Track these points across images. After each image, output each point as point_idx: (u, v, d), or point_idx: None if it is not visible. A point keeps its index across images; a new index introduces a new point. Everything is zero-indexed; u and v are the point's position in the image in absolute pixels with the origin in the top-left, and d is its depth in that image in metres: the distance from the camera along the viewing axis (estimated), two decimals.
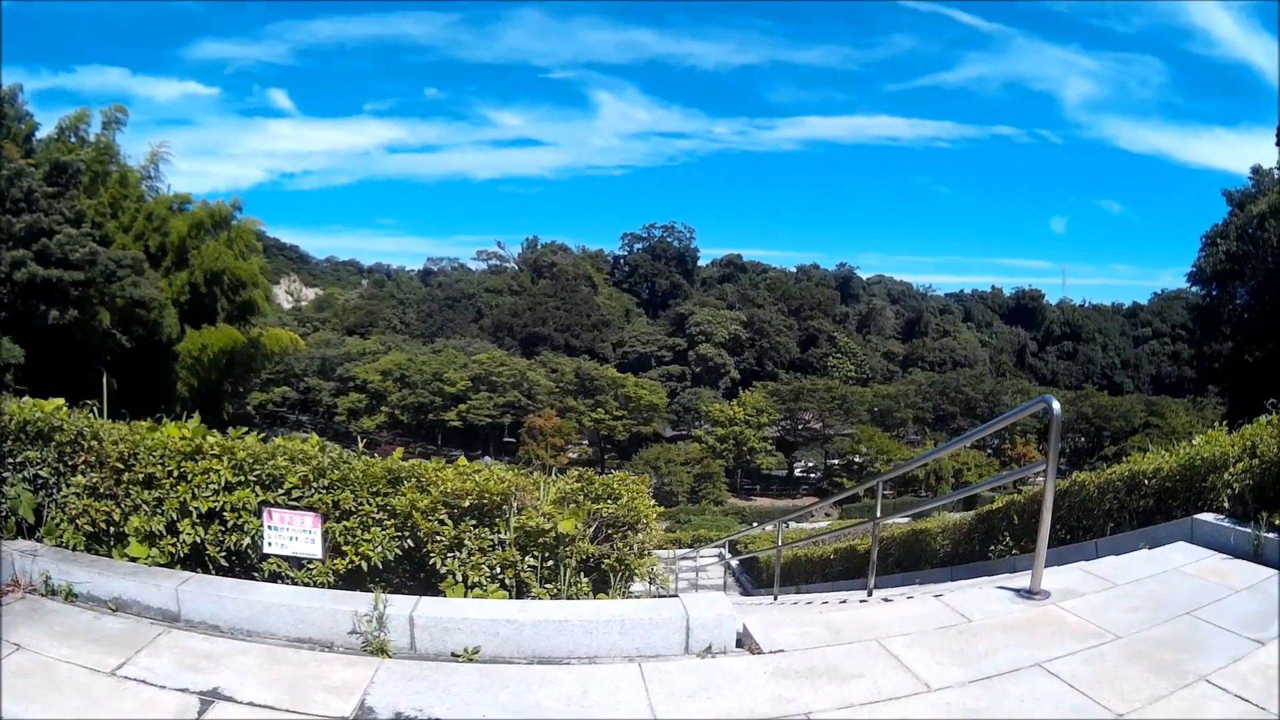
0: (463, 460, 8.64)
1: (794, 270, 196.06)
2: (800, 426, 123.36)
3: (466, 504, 7.87)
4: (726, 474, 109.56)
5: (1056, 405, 7.31)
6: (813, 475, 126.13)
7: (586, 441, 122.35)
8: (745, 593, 31.30)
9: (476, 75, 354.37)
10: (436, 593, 7.64)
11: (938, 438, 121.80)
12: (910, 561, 17.04)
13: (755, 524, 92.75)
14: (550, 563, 7.82)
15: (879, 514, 11.17)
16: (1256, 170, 73.20)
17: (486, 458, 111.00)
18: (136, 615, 6.93)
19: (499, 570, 7.72)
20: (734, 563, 34.14)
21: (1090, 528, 11.98)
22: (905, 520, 75.72)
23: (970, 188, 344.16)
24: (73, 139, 53.54)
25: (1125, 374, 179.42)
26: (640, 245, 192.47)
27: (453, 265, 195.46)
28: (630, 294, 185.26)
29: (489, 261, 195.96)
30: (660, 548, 36.17)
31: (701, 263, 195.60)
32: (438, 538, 7.80)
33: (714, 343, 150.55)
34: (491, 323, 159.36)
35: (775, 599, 16.11)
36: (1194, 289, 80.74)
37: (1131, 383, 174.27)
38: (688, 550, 37.67)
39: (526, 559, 7.77)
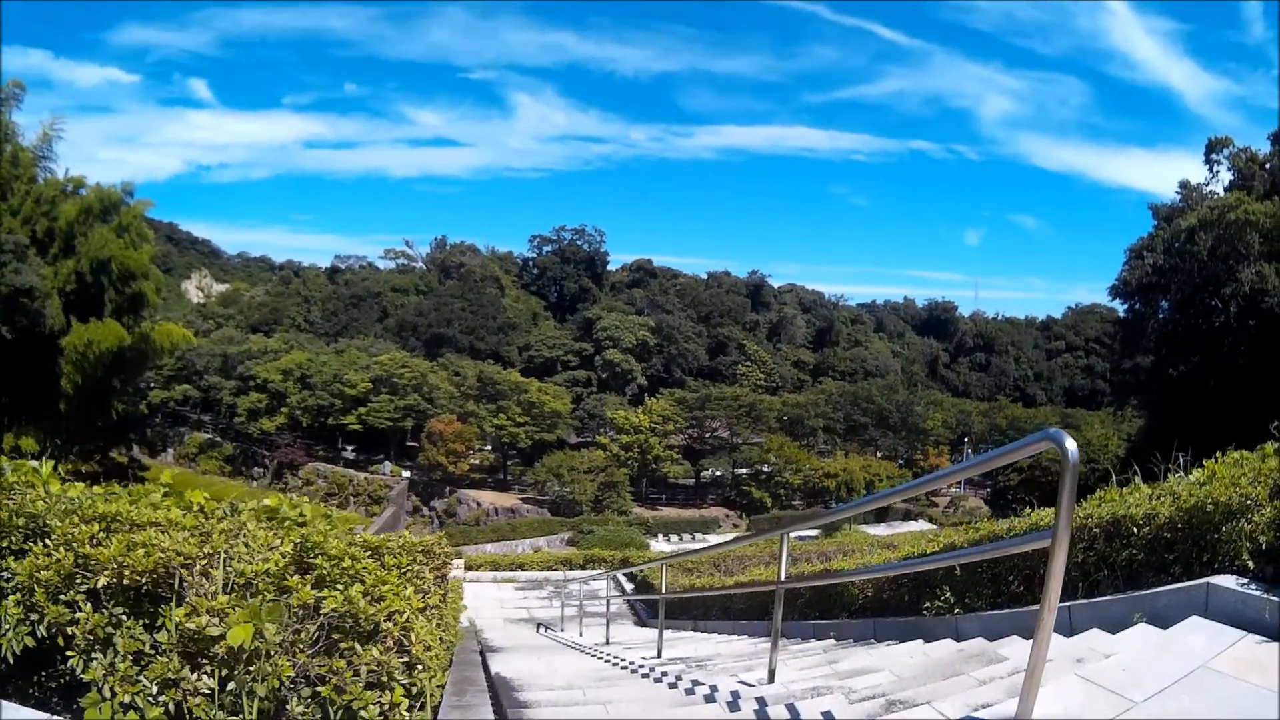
0: (274, 497, 7.45)
1: (705, 277, 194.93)
2: (708, 435, 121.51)
3: (102, 582, 4.90)
4: (632, 483, 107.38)
5: (1071, 446, 4.24)
6: (722, 483, 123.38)
7: (490, 448, 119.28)
8: (640, 623, 28.68)
9: (398, 72, 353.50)
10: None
11: (848, 448, 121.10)
12: (825, 606, 14.15)
13: (660, 535, 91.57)
14: (232, 685, 4.70)
15: (783, 574, 8.15)
16: (1185, 185, 74.52)
17: (386, 463, 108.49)
18: None
19: (157, 691, 4.63)
20: (629, 587, 31.53)
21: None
22: (815, 533, 73.04)
23: (886, 200, 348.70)
24: None
25: (1038, 386, 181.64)
26: (550, 248, 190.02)
27: (361, 263, 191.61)
28: (538, 297, 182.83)
29: (397, 260, 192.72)
30: (550, 568, 33.51)
31: (612, 267, 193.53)
32: (72, 629, 4.87)
33: (622, 348, 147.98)
34: (396, 323, 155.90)
35: (659, 654, 13.12)
36: (1116, 302, 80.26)
37: (1044, 395, 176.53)
38: (578, 572, 35.00)
39: (198, 677, 4.70)
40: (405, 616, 5.40)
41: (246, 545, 5.63)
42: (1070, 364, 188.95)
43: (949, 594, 10.27)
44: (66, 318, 51.89)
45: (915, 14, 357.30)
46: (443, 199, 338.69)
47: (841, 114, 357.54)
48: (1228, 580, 6.73)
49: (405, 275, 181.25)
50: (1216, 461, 8.58)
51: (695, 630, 20.92)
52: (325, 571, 5.46)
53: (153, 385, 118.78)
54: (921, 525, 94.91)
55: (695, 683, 8.85)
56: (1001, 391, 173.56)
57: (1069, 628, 8.05)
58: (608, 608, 18.89)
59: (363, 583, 5.45)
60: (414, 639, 5.42)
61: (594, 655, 14.93)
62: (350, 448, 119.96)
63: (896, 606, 11.82)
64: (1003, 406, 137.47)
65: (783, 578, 8.14)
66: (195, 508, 6.68)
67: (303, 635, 4.96)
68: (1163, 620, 6.88)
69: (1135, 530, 8.33)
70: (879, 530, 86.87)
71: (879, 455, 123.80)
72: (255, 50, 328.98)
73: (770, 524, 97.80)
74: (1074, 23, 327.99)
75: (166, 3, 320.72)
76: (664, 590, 13.62)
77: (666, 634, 14.81)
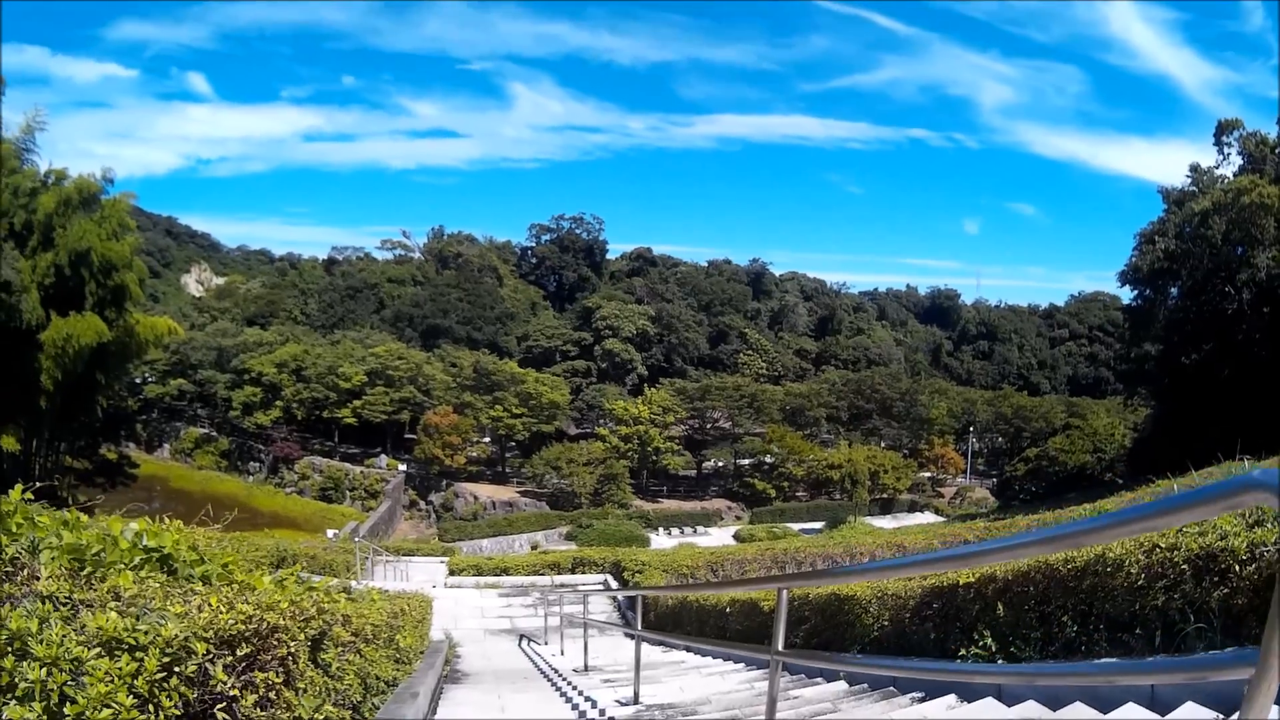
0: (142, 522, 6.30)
1: (705, 265, 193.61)
2: (709, 425, 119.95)
3: None
4: (632, 475, 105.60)
5: None
6: (724, 474, 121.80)
7: (488, 439, 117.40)
8: (629, 630, 26.91)
9: (394, 64, 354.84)
10: None
11: (851, 438, 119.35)
12: (831, 635, 12.20)
13: (661, 529, 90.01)
14: None
15: (780, 642, 6.10)
16: (1195, 169, 72.60)
17: (382, 457, 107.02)
18: None
19: None
20: (620, 596, 29.74)
21: (1118, 622, 7.46)
22: (820, 526, 71.72)
23: (885, 188, 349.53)
24: None
25: (1042, 374, 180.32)
26: (548, 237, 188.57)
27: (358, 254, 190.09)
28: (537, 286, 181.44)
29: (394, 251, 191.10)
30: (537, 573, 31.75)
31: (611, 256, 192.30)
32: None
33: (621, 338, 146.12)
34: (392, 314, 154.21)
35: (636, 697, 11.25)
36: (1125, 289, 78.42)
37: (1049, 383, 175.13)
38: (567, 577, 33.25)
39: None
40: None
41: None
42: (1074, 352, 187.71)
43: (989, 638, 8.30)
44: (46, 311, 50.69)
45: (911, 2, 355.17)
46: (441, 190, 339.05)
47: (838, 103, 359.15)
48: None
49: (402, 266, 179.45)
50: None
51: (687, 650, 19.16)
52: None
53: (148, 380, 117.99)
54: (928, 517, 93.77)
55: None
56: (1005, 380, 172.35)
57: (1149, 696, 6.26)
58: (585, 631, 17.01)
59: None
60: None
61: (562, 693, 13.13)
62: (346, 446, 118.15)
63: (920, 644, 9.87)
64: (1008, 395, 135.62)
65: (780, 647, 6.18)
66: None
67: None
68: None
69: (1237, 568, 6.45)
70: (884, 523, 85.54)
71: (883, 445, 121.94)
72: (252, 44, 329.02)
73: (773, 515, 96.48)
74: (1071, 11, 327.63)
75: None
76: (639, 628, 11.71)
77: (654, 654, 13.08)
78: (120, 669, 3.75)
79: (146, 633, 3.95)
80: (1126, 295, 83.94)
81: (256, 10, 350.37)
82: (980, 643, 8.32)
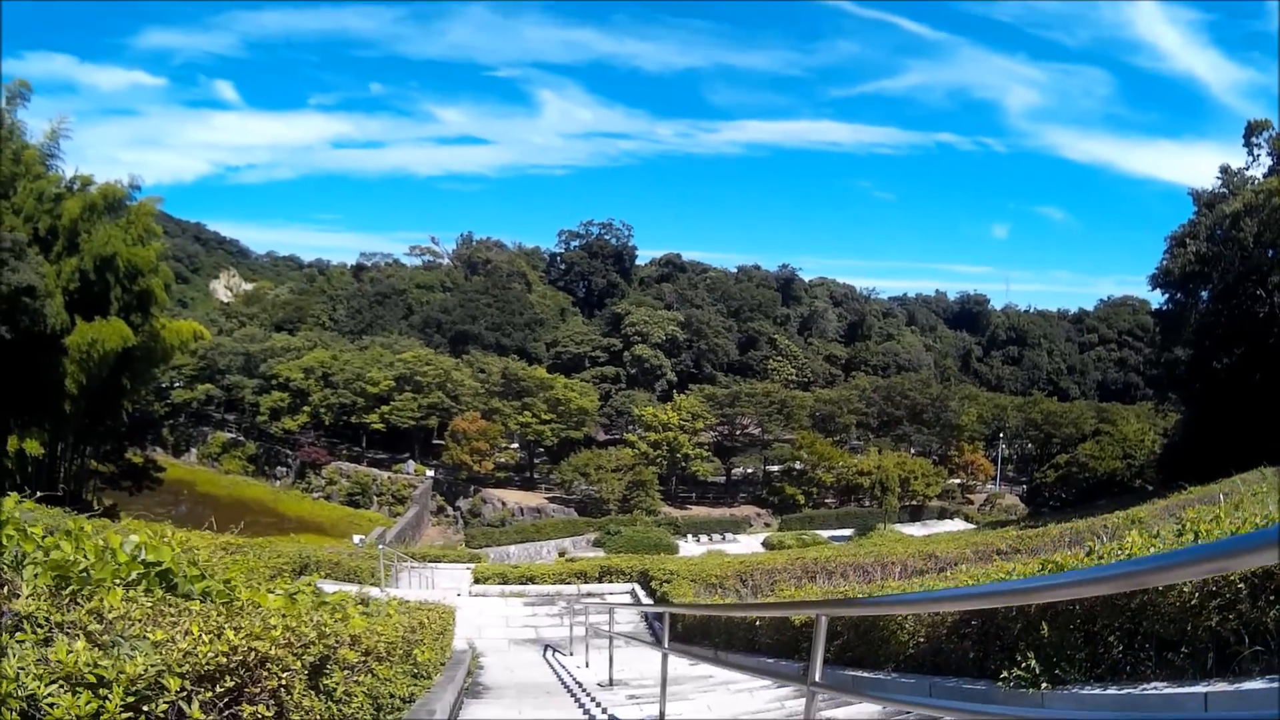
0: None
1: (735, 271, 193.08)
2: (739, 432, 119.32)
3: None
4: (660, 481, 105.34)
5: None
6: (753, 480, 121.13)
7: (516, 445, 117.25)
8: (656, 641, 26.45)
9: (422, 71, 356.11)
10: None
11: (881, 444, 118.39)
12: (865, 651, 11.72)
13: (689, 536, 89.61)
14: None
15: (817, 675, 5.60)
16: (1225, 170, 71.72)
17: (410, 463, 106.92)
18: None
19: None
20: (647, 603, 29.26)
21: (1168, 642, 7.01)
22: (849, 532, 71.35)
23: (913, 193, 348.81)
24: None
25: (1071, 380, 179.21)
26: (577, 243, 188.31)
27: (386, 260, 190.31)
28: (566, 292, 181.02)
29: (423, 257, 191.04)
30: (563, 581, 31.34)
31: (640, 262, 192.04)
32: None
33: (650, 344, 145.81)
34: (421, 320, 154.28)
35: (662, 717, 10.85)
36: (1156, 293, 77.44)
37: (1078, 388, 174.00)
38: (594, 586, 32.81)
39: None
40: None
41: None
42: (1103, 357, 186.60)
43: (1033, 660, 7.82)
44: (70, 316, 50.47)
45: (938, 6, 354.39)
46: (469, 197, 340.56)
47: (865, 108, 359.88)
48: None
49: (430, 272, 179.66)
50: None
51: (715, 662, 18.72)
52: None
53: (176, 385, 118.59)
54: (958, 524, 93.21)
55: None
56: (1035, 385, 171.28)
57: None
58: (610, 644, 16.63)
59: None
60: None
61: (585, 710, 12.72)
62: (373, 451, 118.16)
63: (958, 663, 9.40)
64: (1037, 401, 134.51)
65: (817, 677, 5.72)
66: None
67: None
68: None
69: None
70: (914, 530, 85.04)
71: (913, 451, 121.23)
72: (279, 52, 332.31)
73: (802, 522, 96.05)
74: (1097, 13, 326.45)
75: (188, 6, 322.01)
76: (666, 644, 11.31)
77: (681, 666, 12.67)
78: (80, 708, 3.38)
79: (111, 666, 3.56)
80: (1156, 300, 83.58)
81: (283, 18, 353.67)
82: (1023, 664, 7.86)
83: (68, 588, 4.57)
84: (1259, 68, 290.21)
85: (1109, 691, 6.89)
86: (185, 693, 3.78)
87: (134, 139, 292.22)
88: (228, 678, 4.10)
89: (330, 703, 5.49)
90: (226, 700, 4.07)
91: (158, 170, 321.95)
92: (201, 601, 5.77)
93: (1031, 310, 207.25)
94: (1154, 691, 6.50)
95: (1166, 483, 56.73)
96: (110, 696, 3.47)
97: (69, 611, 4.10)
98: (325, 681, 5.49)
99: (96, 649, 3.78)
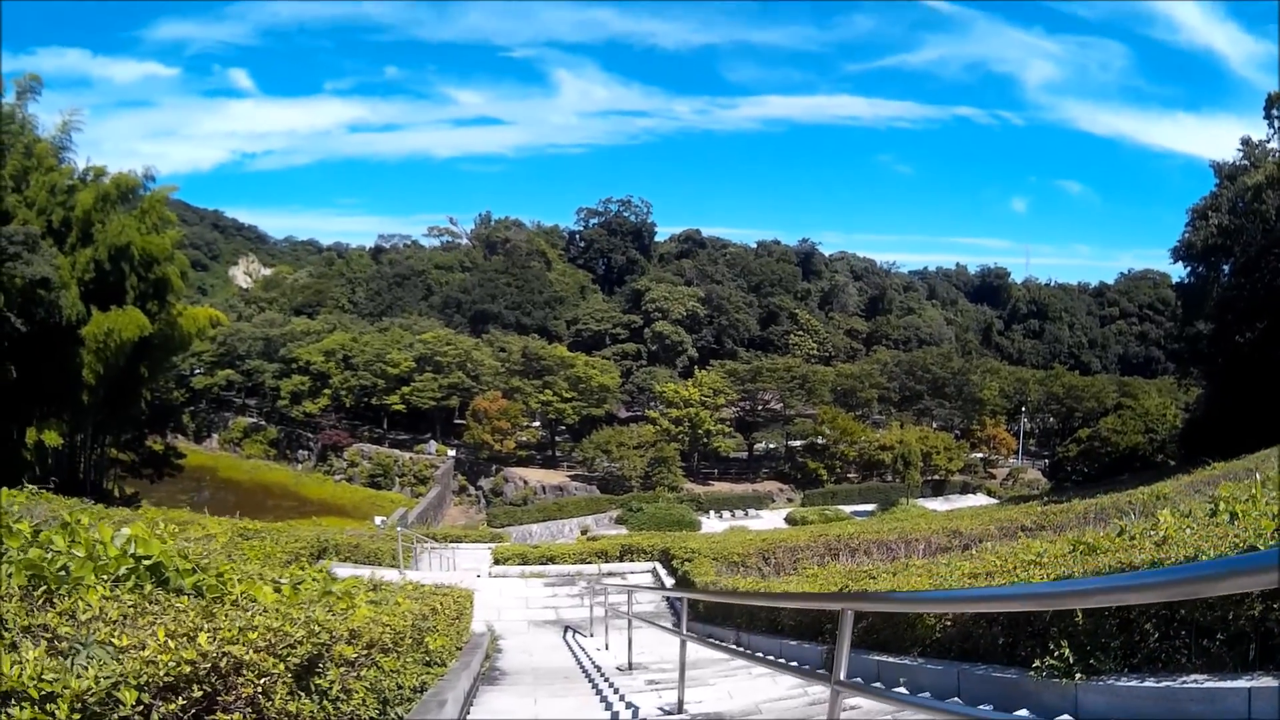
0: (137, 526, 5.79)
1: (754, 246, 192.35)
2: (760, 407, 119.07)
3: None
4: (682, 458, 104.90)
5: None
6: (775, 456, 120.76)
7: (537, 424, 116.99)
8: (677, 622, 26.18)
9: (437, 54, 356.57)
10: None
11: (903, 419, 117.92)
12: (890, 634, 11.34)
13: (712, 512, 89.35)
14: None
15: (843, 674, 5.23)
16: (1246, 142, 70.67)
17: (431, 443, 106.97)
18: None
19: None
20: (669, 584, 29.00)
21: (1206, 630, 6.60)
22: (871, 508, 71.04)
23: (932, 167, 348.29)
24: None
25: (1093, 353, 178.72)
26: (596, 220, 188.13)
27: (405, 242, 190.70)
28: (585, 270, 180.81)
29: (441, 238, 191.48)
30: (584, 561, 31.09)
31: (659, 238, 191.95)
32: None
33: (671, 320, 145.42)
34: (440, 300, 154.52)
35: (680, 706, 10.53)
36: (1178, 265, 76.67)
37: (1099, 362, 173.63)
38: (615, 565, 32.57)
39: None
40: None
41: None
42: (1124, 331, 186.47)
43: (1066, 648, 7.43)
44: (86, 307, 50.53)
45: None
46: (487, 178, 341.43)
47: (883, 82, 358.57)
48: None
49: (450, 253, 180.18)
50: None
51: (737, 643, 18.44)
52: None
53: (196, 372, 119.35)
54: (980, 499, 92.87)
55: None
56: (1056, 359, 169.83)
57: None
58: (630, 627, 16.37)
59: None
60: None
61: (603, 696, 12.42)
62: (395, 432, 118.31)
63: (987, 649, 9.01)
64: (1059, 375, 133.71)
65: (843, 676, 5.37)
66: None
67: None
68: None
69: None
70: (936, 505, 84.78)
71: (934, 426, 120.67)
72: (293, 39, 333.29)
73: (825, 497, 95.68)
74: None
75: None
76: (685, 629, 11.03)
77: (701, 652, 12.45)
78: None
79: (56, 681, 3.26)
80: (1176, 273, 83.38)
81: (296, 6, 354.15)
82: (1056, 652, 7.49)
83: (41, 588, 4.33)
84: (1276, 41, 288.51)
85: (1146, 684, 6.53)
86: (144, 706, 3.48)
87: (151, 130, 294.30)
88: (196, 687, 3.80)
89: (325, 702, 5.22)
90: (194, 712, 3.76)
91: (175, 160, 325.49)
92: (191, 597, 5.53)
93: (1052, 284, 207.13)
94: (1194, 685, 6.15)
95: (1189, 458, 56.16)
96: (57, 712, 3.18)
97: (40, 613, 3.85)
98: (317, 681, 5.22)
99: (57, 656, 3.51)
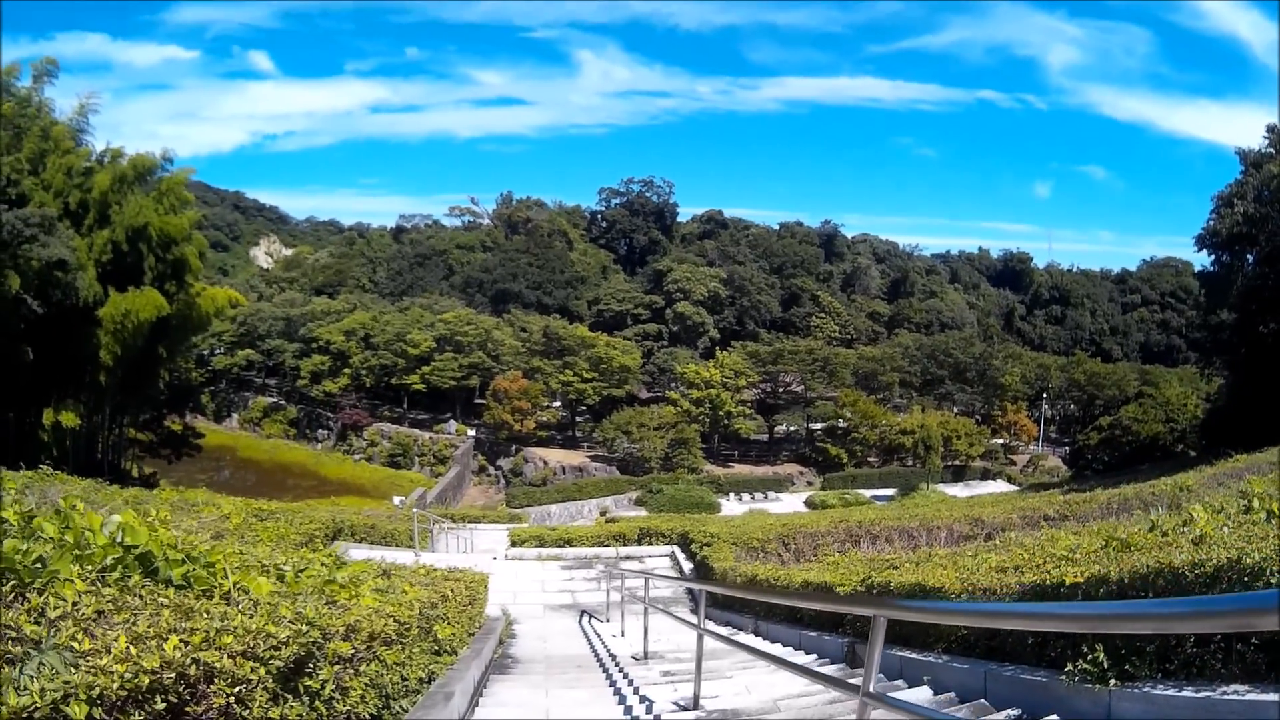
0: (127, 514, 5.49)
1: (777, 227, 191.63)
2: (781, 389, 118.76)
3: None
4: (703, 439, 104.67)
5: None
6: (796, 439, 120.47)
7: (557, 404, 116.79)
8: (694, 608, 25.91)
9: (458, 34, 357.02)
10: None
11: (924, 403, 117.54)
12: (914, 629, 10.97)
13: (732, 494, 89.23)
14: None
15: (872, 685, 4.87)
16: (1272, 129, 69.62)
17: (451, 423, 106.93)
18: None
19: None
20: (688, 568, 28.72)
21: (1242, 636, 6.28)
22: (891, 492, 70.73)
23: (954, 150, 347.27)
24: None
25: (1114, 340, 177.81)
26: (618, 200, 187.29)
27: (426, 222, 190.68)
28: (607, 250, 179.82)
29: (463, 218, 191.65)
30: (601, 544, 30.84)
31: (681, 219, 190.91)
32: None
33: (693, 301, 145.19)
34: (462, 280, 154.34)
35: (696, 701, 10.22)
36: (1203, 254, 75.81)
37: (1120, 349, 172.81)
38: (633, 549, 32.33)
39: None
40: None
41: None
42: (1146, 318, 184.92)
43: (1100, 652, 7.07)
44: (104, 288, 50.44)
45: None
46: (509, 158, 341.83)
47: (906, 65, 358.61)
48: None
49: (471, 232, 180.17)
50: None
51: (755, 631, 18.18)
52: None
53: (216, 352, 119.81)
54: (1001, 485, 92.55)
55: None
56: (1078, 345, 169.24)
57: None
58: (645, 615, 16.07)
59: None
60: None
61: (616, 689, 12.14)
62: (415, 412, 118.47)
63: (1015, 648, 8.66)
64: (1080, 361, 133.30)
65: (871, 688, 5.02)
66: None
67: None
68: None
69: None
70: (957, 491, 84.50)
71: (955, 411, 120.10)
72: (314, 20, 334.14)
73: (845, 481, 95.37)
74: None
75: None
76: (702, 621, 10.73)
77: (718, 643, 12.27)
78: None
79: None
80: (1199, 261, 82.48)
81: None
82: (1089, 656, 7.13)
83: (12, 581, 4.02)
84: None
85: (1185, 693, 6.18)
86: None
87: (171, 113, 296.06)
88: (159, 698, 3.47)
89: (317, 703, 4.91)
90: None
91: (195, 142, 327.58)
92: (180, 589, 5.23)
93: (1074, 269, 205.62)
94: (1235, 697, 5.79)
95: (1209, 448, 55.72)
96: None
97: (5, 611, 3.54)
98: (307, 682, 4.91)
99: (4, 665, 3.20)
